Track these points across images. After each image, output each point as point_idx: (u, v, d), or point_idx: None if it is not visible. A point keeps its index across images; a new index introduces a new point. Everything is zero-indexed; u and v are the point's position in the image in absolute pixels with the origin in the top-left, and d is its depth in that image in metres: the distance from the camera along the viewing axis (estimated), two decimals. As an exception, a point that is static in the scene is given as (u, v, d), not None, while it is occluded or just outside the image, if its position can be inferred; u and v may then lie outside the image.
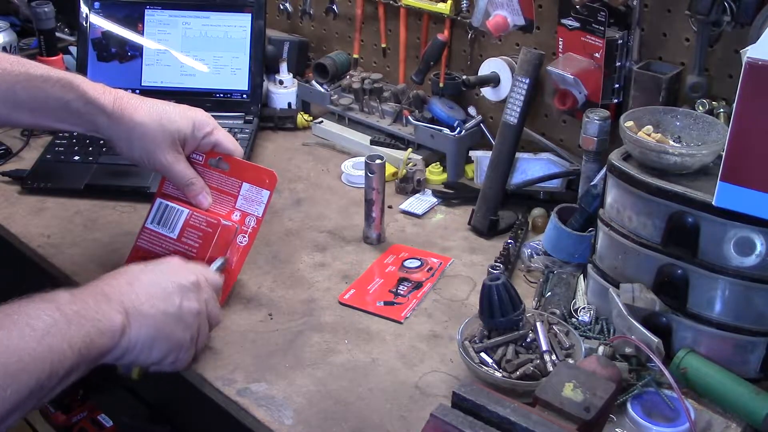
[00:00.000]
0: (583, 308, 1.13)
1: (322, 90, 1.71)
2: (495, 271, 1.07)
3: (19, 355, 0.79)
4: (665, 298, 1.02)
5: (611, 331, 1.08)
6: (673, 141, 1.08)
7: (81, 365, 0.86)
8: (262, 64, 1.70)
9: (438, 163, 1.53)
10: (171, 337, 0.97)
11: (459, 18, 1.56)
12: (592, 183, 1.24)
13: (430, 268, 1.26)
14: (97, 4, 1.69)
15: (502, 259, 1.24)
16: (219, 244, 1.15)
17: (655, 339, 0.98)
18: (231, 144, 1.19)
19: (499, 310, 1.01)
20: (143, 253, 1.17)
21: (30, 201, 1.42)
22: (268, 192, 1.17)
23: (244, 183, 1.18)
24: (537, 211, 1.39)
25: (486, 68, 1.51)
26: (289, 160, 1.60)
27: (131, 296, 0.94)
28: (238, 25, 1.68)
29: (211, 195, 1.18)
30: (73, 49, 1.77)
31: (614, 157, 1.08)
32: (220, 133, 1.18)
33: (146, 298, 0.95)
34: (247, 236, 1.17)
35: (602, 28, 1.29)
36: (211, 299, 1.04)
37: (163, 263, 1.03)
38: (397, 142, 1.60)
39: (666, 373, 0.95)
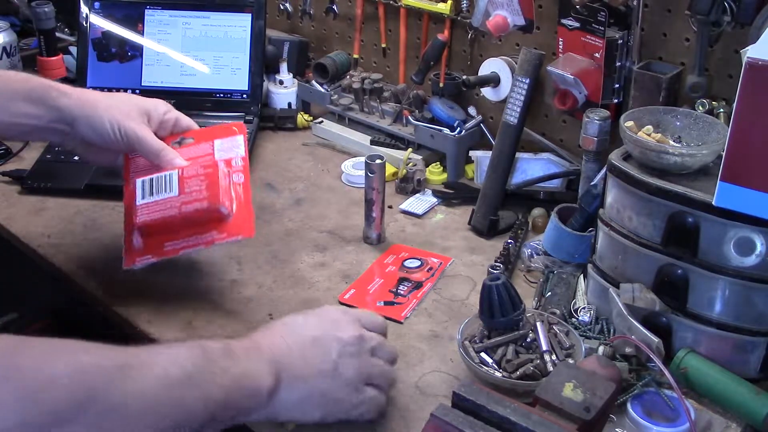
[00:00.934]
0: (583, 308, 1.13)
1: (322, 90, 1.71)
2: (495, 271, 1.07)
3: (141, 401, 0.73)
4: (665, 298, 1.02)
5: (611, 331, 1.08)
6: (673, 141, 1.08)
7: (214, 423, 0.80)
8: (262, 64, 1.70)
9: (438, 163, 1.53)
10: (327, 395, 0.89)
11: (459, 18, 1.56)
12: (592, 183, 1.24)
13: (430, 268, 1.26)
14: (97, 4, 1.69)
15: (502, 259, 1.24)
16: (225, 184, 1.12)
17: (655, 339, 0.98)
18: (189, 120, 1.21)
19: (499, 310, 1.01)
20: (147, 227, 1.11)
21: (30, 201, 1.42)
22: (241, 136, 1.17)
23: (214, 141, 1.17)
24: (537, 211, 1.39)
25: (486, 68, 1.51)
26: (289, 160, 1.60)
27: (284, 353, 0.87)
28: (238, 25, 1.68)
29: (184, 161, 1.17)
30: (73, 49, 1.77)
31: (614, 157, 1.08)
32: (176, 112, 1.20)
33: (300, 354, 0.88)
34: (241, 173, 1.15)
35: (602, 28, 1.29)
36: (379, 346, 0.95)
37: (323, 315, 0.95)
38: (397, 142, 1.60)
39: (666, 373, 0.95)
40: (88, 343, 0.76)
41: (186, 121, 1.21)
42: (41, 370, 0.68)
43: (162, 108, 1.19)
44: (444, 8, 1.56)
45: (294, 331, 0.91)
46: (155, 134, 1.16)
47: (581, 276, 1.19)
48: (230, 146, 1.17)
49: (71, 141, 1.17)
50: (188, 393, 0.77)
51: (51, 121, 1.14)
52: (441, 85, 1.56)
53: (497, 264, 1.19)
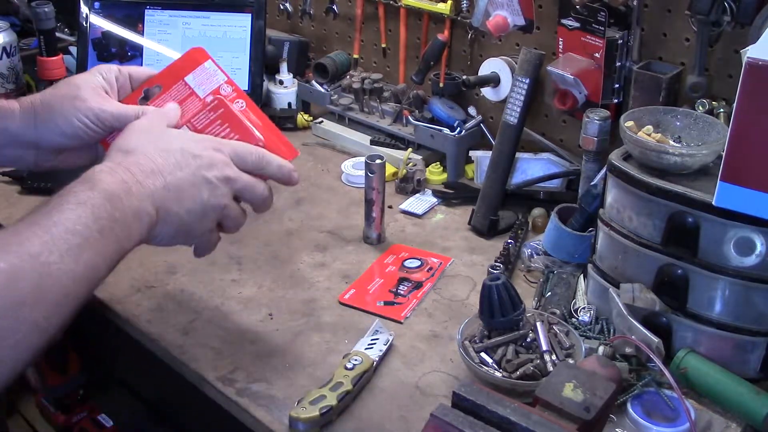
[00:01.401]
0: (583, 308, 1.13)
1: (322, 90, 1.71)
2: (495, 271, 1.07)
3: (62, 282, 0.79)
4: (665, 298, 1.02)
5: (611, 331, 1.08)
6: (673, 141, 1.08)
7: (112, 267, 0.87)
8: (263, 64, 1.69)
9: (438, 163, 1.53)
10: (189, 230, 0.96)
11: (459, 18, 1.56)
12: (592, 183, 1.24)
13: (430, 268, 1.26)
14: (97, 4, 1.69)
15: (502, 259, 1.24)
16: (241, 117, 1.07)
17: (655, 339, 0.98)
18: (144, 68, 1.10)
19: (499, 310, 1.01)
20: None
21: (30, 201, 1.42)
22: (209, 60, 1.10)
23: (185, 78, 1.08)
24: (537, 211, 1.39)
25: (486, 68, 1.51)
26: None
27: (162, 191, 0.92)
28: (238, 25, 1.68)
29: None
30: (73, 49, 1.77)
31: (614, 157, 1.08)
32: (125, 67, 1.08)
33: (175, 195, 0.93)
34: (240, 101, 1.09)
35: (602, 28, 1.29)
36: (243, 189, 0.99)
37: (197, 151, 0.96)
38: (397, 142, 1.60)
39: (666, 373, 0.95)
40: None
41: (141, 71, 1.09)
42: None
43: (111, 73, 1.06)
44: (444, 8, 1.56)
45: (167, 162, 0.94)
46: (121, 102, 1.06)
47: (581, 276, 1.19)
48: (205, 77, 1.09)
49: (36, 159, 1.05)
50: (90, 254, 0.83)
51: (3, 146, 1.02)
52: (441, 85, 1.56)
53: (497, 264, 1.19)
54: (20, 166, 1.11)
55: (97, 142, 1.05)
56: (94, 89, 1.03)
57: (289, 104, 1.76)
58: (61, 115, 1.01)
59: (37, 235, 0.80)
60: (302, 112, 1.73)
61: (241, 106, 1.09)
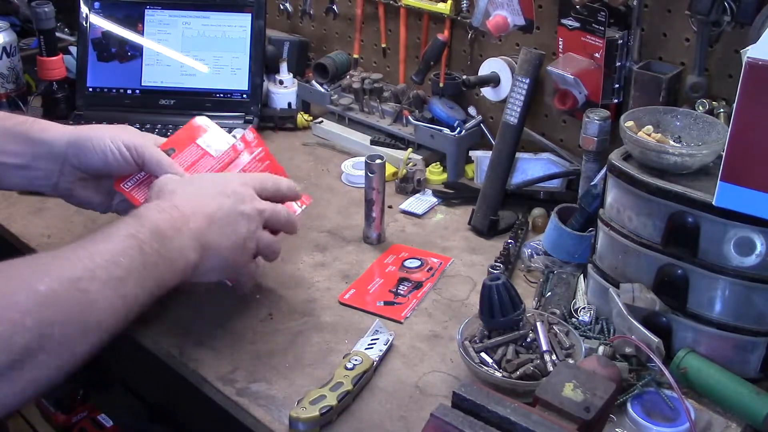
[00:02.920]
0: (583, 308, 1.13)
1: (322, 90, 1.71)
2: (495, 271, 1.07)
3: (95, 311, 0.81)
4: (665, 298, 1.02)
5: (611, 331, 1.08)
6: (673, 141, 1.08)
7: (149, 302, 0.89)
8: (262, 64, 1.70)
9: (438, 163, 1.53)
10: (231, 264, 1.03)
11: (459, 18, 1.56)
12: (592, 183, 1.24)
13: (430, 268, 1.26)
14: (97, 4, 1.69)
15: (502, 259, 1.24)
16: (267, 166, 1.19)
17: (655, 339, 0.98)
18: (153, 146, 1.13)
19: (499, 310, 1.01)
20: None
21: (30, 201, 1.42)
22: (209, 127, 1.19)
23: (196, 141, 1.17)
24: (537, 211, 1.39)
25: (486, 68, 1.51)
26: (289, 160, 1.60)
27: (205, 227, 0.97)
28: (238, 25, 1.68)
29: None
30: (73, 49, 1.77)
31: (614, 157, 1.08)
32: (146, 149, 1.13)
33: (218, 230, 0.99)
34: (257, 148, 1.19)
35: (602, 28, 1.29)
36: (271, 216, 1.06)
37: (227, 186, 1.04)
38: (397, 142, 1.60)
39: (666, 373, 0.95)
40: (40, 260, 0.85)
41: (152, 149, 1.12)
42: (5, 311, 0.74)
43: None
44: (444, 8, 1.56)
45: (207, 202, 1.00)
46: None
47: (581, 276, 1.19)
48: (216, 138, 1.19)
49: (60, 180, 1.11)
50: (130, 288, 0.85)
51: (36, 157, 1.08)
52: (441, 85, 1.56)
53: (497, 264, 1.19)
54: (41, 184, 1.12)
55: (121, 174, 1.11)
56: (137, 132, 1.14)
57: (289, 104, 1.76)
58: (98, 135, 1.09)
59: (81, 261, 0.82)
60: (302, 112, 1.73)
61: (258, 154, 1.20)
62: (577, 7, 1.31)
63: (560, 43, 1.38)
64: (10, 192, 1.44)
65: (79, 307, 0.79)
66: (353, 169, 1.54)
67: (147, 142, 1.11)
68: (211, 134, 1.19)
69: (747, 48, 0.91)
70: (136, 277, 0.86)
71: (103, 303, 0.81)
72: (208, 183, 1.06)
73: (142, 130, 1.59)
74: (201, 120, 1.20)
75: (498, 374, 0.99)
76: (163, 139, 1.16)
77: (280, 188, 1.11)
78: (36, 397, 0.80)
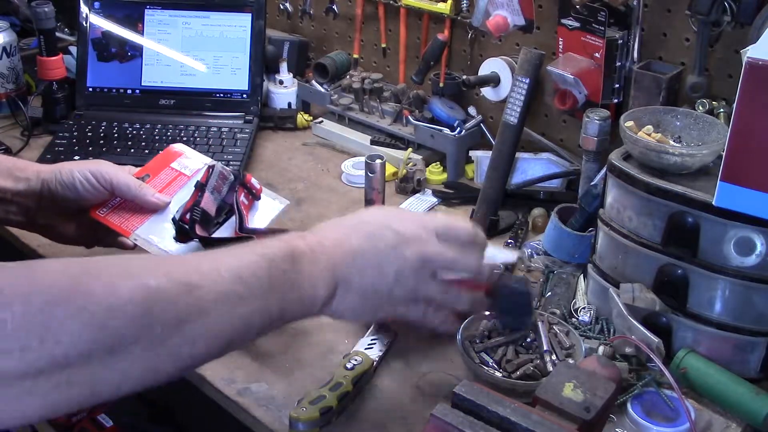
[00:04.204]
0: (583, 308, 1.13)
1: (322, 90, 1.71)
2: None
3: (203, 320, 0.74)
4: (665, 298, 1.02)
5: (611, 331, 1.08)
6: (674, 141, 1.08)
7: (268, 330, 0.81)
8: (262, 64, 1.70)
9: (438, 163, 1.53)
10: (378, 309, 0.90)
11: (459, 18, 1.56)
12: (592, 183, 1.24)
13: (430, 268, 1.26)
14: (97, 4, 1.69)
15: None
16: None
17: (655, 339, 0.98)
18: (122, 172, 1.16)
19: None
20: None
21: (30, 201, 1.42)
22: (178, 151, 1.23)
23: (171, 165, 1.20)
24: (537, 211, 1.39)
25: (486, 68, 1.51)
26: (289, 160, 1.60)
27: (345, 261, 0.86)
28: (238, 25, 1.68)
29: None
30: (73, 49, 1.77)
31: (614, 157, 1.07)
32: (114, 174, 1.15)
33: (359, 268, 0.87)
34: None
35: (602, 28, 1.29)
36: (446, 265, 0.91)
37: (401, 224, 0.90)
38: (397, 142, 1.60)
39: (666, 373, 0.95)
40: (155, 259, 0.85)
41: (121, 174, 1.15)
42: (108, 297, 0.69)
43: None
44: (444, 8, 1.56)
45: (362, 236, 0.88)
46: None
47: (581, 276, 1.19)
48: (192, 160, 1.22)
49: (38, 216, 1.14)
50: (249, 308, 0.78)
51: (17, 194, 1.11)
52: (441, 84, 1.56)
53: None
54: (18, 220, 1.15)
55: (94, 203, 1.14)
56: (110, 163, 1.14)
57: (289, 104, 1.76)
58: (65, 168, 1.12)
59: (200, 267, 0.77)
60: (302, 112, 1.73)
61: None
62: (577, 7, 1.31)
63: (560, 43, 1.38)
64: (10, 192, 1.44)
65: (187, 312, 0.73)
66: (353, 169, 1.54)
67: (116, 169, 1.13)
68: (187, 157, 1.21)
69: (747, 48, 0.91)
70: (258, 297, 0.78)
71: (215, 317, 0.75)
72: (368, 217, 0.93)
73: (141, 130, 1.61)
74: (177, 146, 1.23)
75: (498, 374, 0.99)
76: (137, 168, 1.20)
77: (459, 236, 0.94)
78: (130, 392, 0.73)
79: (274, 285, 0.80)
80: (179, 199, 1.17)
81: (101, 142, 1.57)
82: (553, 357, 1.00)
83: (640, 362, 1.01)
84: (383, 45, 1.73)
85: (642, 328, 1.00)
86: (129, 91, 1.69)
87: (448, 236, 0.92)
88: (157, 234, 1.13)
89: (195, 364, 0.76)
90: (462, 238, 0.93)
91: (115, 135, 1.59)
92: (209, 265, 0.77)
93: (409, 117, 1.57)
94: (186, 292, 0.73)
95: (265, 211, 1.22)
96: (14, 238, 1.33)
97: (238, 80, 1.68)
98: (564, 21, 1.35)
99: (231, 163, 1.51)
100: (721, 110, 1.19)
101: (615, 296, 1.05)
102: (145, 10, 1.69)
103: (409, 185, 1.49)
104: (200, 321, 0.74)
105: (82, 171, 1.12)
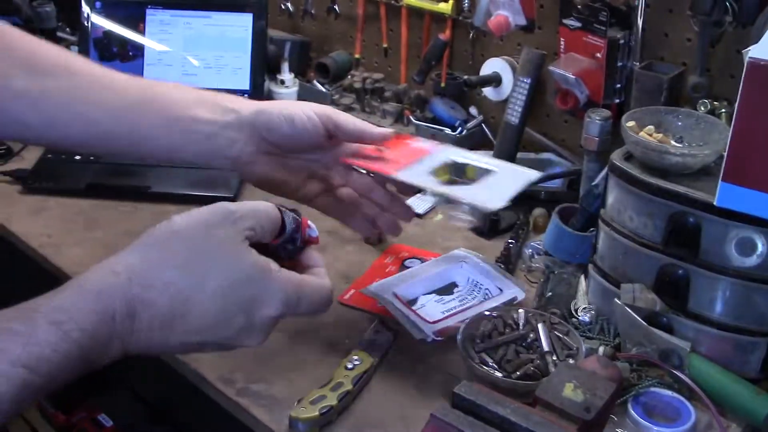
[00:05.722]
0: (584, 308, 1.13)
1: (324, 90, 1.71)
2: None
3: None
4: (666, 298, 1.02)
5: (611, 331, 1.08)
6: (675, 141, 1.08)
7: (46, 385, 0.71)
8: (264, 64, 1.70)
9: (439, 163, 1.53)
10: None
11: (460, 18, 1.56)
12: (593, 183, 1.24)
13: (431, 268, 1.26)
14: (98, 4, 1.69)
15: (503, 259, 1.24)
16: None
17: (685, 345, 0.98)
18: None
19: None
20: None
21: (31, 201, 1.42)
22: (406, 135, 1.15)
23: (404, 142, 1.12)
24: (538, 211, 1.39)
25: (487, 68, 1.51)
26: (290, 160, 1.60)
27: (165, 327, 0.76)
28: (240, 24, 1.68)
29: None
30: (75, 49, 1.77)
31: (616, 157, 1.07)
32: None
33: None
34: None
35: (604, 28, 1.29)
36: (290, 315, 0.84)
37: (247, 289, 0.79)
38: (398, 142, 1.60)
39: (687, 380, 0.95)
40: None
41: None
42: None
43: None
44: (445, 8, 1.56)
45: (194, 304, 0.76)
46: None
47: (582, 276, 1.19)
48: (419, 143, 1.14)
49: (243, 153, 1.02)
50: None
51: (225, 126, 1.01)
52: (442, 85, 1.56)
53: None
54: (223, 156, 1.02)
55: (307, 145, 1.04)
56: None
57: (291, 104, 1.76)
58: (283, 104, 1.04)
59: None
60: (303, 112, 1.73)
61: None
62: (579, 7, 1.31)
63: (562, 43, 1.38)
64: (11, 192, 1.44)
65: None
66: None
67: (337, 111, 1.04)
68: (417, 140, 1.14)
69: (749, 48, 0.91)
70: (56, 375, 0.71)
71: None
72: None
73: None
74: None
75: (498, 374, 0.98)
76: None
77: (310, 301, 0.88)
78: None
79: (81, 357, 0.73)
80: (418, 171, 1.08)
81: (102, 141, 1.57)
82: (554, 357, 1.00)
83: (641, 363, 1.01)
84: (384, 45, 1.73)
85: (665, 335, 0.99)
86: (130, 91, 1.69)
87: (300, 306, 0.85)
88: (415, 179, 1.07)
89: None
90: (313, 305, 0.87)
91: (116, 135, 1.59)
92: (11, 344, 0.68)
93: (411, 117, 1.58)
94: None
95: (510, 181, 1.14)
96: (15, 237, 1.33)
97: (240, 80, 1.68)
98: (565, 21, 1.35)
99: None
100: (723, 110, 1.19)
101: (629, 311, 1.01)
102: (147, 9, 1.69)
103: (410, 185, 1.48)
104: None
105: (304, 109, 1.01)
